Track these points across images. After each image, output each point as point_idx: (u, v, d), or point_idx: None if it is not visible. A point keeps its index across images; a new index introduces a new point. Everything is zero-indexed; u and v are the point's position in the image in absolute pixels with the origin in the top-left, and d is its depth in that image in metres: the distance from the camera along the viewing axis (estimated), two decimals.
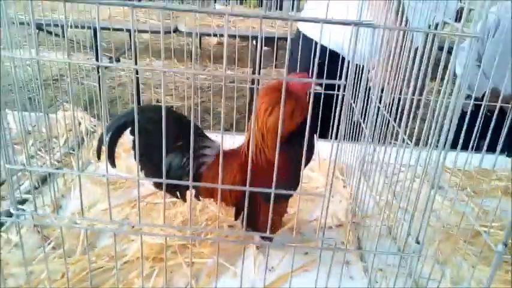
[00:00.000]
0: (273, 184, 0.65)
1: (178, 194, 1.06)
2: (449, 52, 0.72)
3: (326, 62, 1.25)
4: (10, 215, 1.12)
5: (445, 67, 0.71)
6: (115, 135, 0.97)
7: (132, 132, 0.97)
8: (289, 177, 0.91)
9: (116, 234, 0.71)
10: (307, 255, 1.11)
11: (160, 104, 0.86)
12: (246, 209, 0.69)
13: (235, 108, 2.22)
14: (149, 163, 0.98)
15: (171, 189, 1.05)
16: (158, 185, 1.07)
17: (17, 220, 0.74)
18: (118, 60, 3.47)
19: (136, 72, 2.95)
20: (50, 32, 2.41)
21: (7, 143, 0.71)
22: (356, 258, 1.12)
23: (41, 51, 1.09)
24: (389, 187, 1.00)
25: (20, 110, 1.11)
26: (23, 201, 1.22)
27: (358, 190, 1.21)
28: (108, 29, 2.38)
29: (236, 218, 1.10)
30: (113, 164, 0.97)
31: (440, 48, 0.75)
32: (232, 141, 1.52)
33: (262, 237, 1.02)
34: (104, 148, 0.83)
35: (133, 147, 1.02)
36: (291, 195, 1.07)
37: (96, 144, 1.00)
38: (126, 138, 1.03)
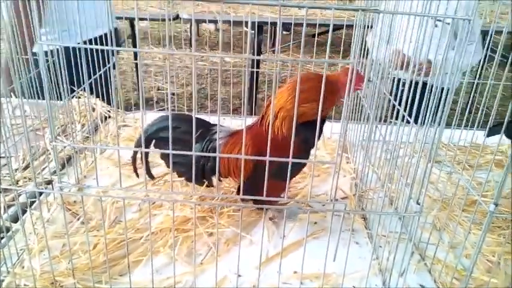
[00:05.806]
0: (290, 155, 0.73)
1: (207, 182, 1.16)
2: None
3: None
4: (35, 194, 1.20)
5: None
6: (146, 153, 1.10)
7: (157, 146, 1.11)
8: (300, 157, 1.00)
9: (148, 203, 0.79)
10: (316, 224, 1.20)
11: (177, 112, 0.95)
12: (266, 178, 0.77)
13: (234, 95, 2.28)
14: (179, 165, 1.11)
15: (200, 181, 1.15)
16: (187, 178, 1.19)
17: (60, 192, 0.82)
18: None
19: (135, 58, 3.00)
20: None
21: (53, 124, 0.79)
22: (361, 226, 1.21)
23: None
24: (390, 161, 1.09)
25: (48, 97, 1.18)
26: (48, 182, 1.30)
27: (361, 165, 1.30)
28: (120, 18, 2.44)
29: (238, 193, 1.17)
30: (151, 176, 1.15)
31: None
32: (234, 124, 1.61)
33: (256, 202, 1.07)
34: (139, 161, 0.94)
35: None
36: (297, 173, 1.16)
37: (131, 162, 1.13)
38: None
